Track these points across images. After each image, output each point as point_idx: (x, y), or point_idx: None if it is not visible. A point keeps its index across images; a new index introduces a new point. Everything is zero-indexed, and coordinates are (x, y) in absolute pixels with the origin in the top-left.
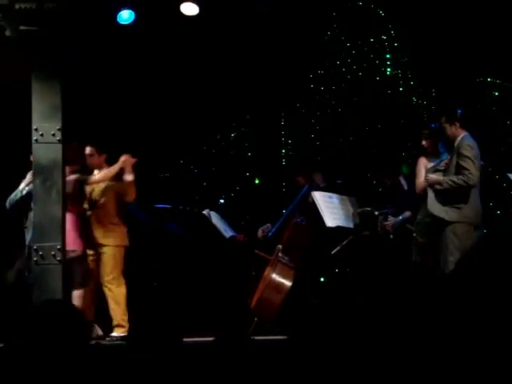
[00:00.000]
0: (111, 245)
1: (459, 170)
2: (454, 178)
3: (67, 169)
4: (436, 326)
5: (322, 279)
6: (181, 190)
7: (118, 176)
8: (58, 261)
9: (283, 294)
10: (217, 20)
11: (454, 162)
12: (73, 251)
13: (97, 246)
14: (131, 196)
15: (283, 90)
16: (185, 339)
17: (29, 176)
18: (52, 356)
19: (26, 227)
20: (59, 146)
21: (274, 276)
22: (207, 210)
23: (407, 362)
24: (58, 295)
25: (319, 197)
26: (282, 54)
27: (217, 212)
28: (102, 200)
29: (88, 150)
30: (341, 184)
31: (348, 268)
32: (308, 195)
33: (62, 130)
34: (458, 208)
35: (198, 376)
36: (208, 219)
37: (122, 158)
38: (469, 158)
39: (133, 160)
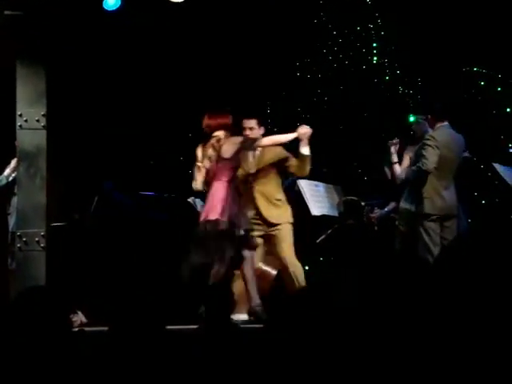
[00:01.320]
0: (278, 222)
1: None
2: (412, 167)
3: (222, 133)
4: (419, 315)
5: (306, 268)
6: (166, 177)
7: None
8: (42, 247)
9: (268, 282)
10: (204, 7)
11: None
12: (237, 226)
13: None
14: (304, 171)
15: (269, 77)
16: (168, 327)
17: (14, 162)
18: (33, 343)
19: (9, 213)
20: (44, 132)
21: (259, 264)
22: (192, 198)
23: (390, 350)
24: (42, 282)
25: (305, 185)
26: (269, 42)
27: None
28: (268, 173)
29: (249, 122)
30: (326, 173)
31: (333, 257)
32: (294, 183)
33: (47, 115)
34: (422, 200)
35: (181, 363)
36: (193, 207)
37: (300, 130)
38: (428, 145)
39: (310, 131)
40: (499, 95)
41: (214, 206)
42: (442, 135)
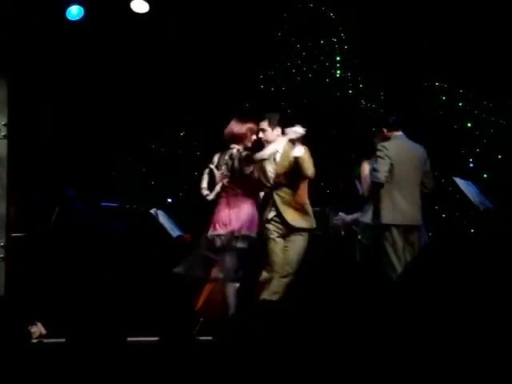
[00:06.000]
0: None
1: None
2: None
3: (238, 146)
4: (380, 328)
5: None
6: (128, 188)
7: None
8: (2, 258)
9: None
10: (167, 17)
11: None
12: (249, 236)
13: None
14: (303, 173)
15: (233, 89)
16: (129, 339)
17: None
18: None
19: None
20: (4, 142)
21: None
22: (154, 209)
23: (348, 360)
24: (1, 292)
25: None
26: (233, 54)
27: (164, 211)
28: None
29: (260, 124)
30: None
31: (301, 269)
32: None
33: (8, 125)
34: (379, 212)
35: (142, 375)
36: (155, 218)
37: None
38: (378, 156)
39: (302, 133)
40: (460, 110)
41: (248, 221)
42: (393, 145)
